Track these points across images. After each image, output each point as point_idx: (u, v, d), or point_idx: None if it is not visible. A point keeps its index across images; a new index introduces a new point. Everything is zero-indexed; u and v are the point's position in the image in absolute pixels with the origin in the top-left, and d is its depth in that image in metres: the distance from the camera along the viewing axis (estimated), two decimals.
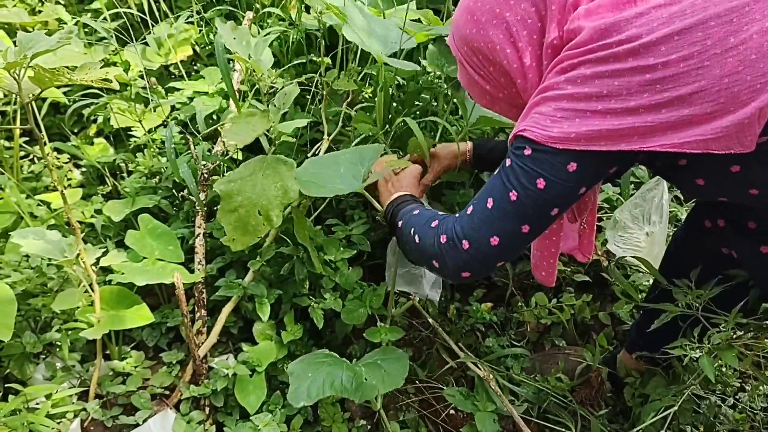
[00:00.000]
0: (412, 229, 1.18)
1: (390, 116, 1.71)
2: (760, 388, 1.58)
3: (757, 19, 0.84)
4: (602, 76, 0.90)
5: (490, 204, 1.03)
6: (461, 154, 1.52)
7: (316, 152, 1.65)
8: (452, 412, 1.58)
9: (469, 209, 1.08)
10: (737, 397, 1.60)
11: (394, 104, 1.79)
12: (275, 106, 1.42)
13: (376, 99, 1.73)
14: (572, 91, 0.92)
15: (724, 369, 1.61)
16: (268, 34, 1.87)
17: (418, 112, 1.79)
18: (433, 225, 1.14)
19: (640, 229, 1.89)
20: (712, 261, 1.29)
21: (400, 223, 1.25)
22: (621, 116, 0.90)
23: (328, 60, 1.75)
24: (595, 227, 1.30)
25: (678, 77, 0.86)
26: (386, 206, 1.35)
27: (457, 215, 1.11)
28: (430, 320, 1.62)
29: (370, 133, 1.63)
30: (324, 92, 1.65)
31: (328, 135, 1.65)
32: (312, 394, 1.19)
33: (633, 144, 0.90)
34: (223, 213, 1.37)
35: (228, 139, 1.34)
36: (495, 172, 1.06)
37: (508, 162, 1.02)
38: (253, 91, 1.84)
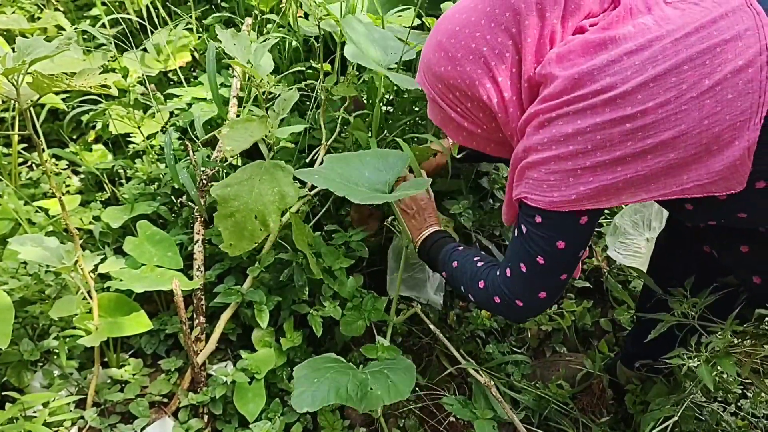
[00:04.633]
0: (463, 287, 1.25)
1: (385, 124, 1.71)
2: (762, 395, 1.57)
3: (730, 59, 0.85)
4: (584, 132, 0.91)
5: (524, 269, 1.08)
6: (448, 148, 1.57)
7: (314, 158, 1.64)
8: (453, 419, 1.57)
9: (507, 271, 1.12)
10: (739, 404, 1.59)
11: (391, 109, 1.78)
12: (274, 111, 1.42)
13: (372, 105, 1.73)
14: (557, 152, 0.94)
15: (725, 376, 1.60)
16: (266, 40, 1.87)
17: (410, 121, 1.79)
18: (481, 286, 1.19)
19: (640, 234, 1.88)
20: (695, 261, 1.31)
21: (444, 273, 1.33)
22: (610, 168, 0.92)
23: (327, 66, 1.75)
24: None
25: (658, 123, 0.88)
26: (419, 244, 1.41)
27: (498, 272, 1.15)
28: (432, 327, 1.61)
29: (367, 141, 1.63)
30: (323, 97, 1.64)
31: (326, 141, 1.64)
32: (316, 401, 1.16)
33: (635, 196, 0.94)
34: (219, 218, 1.36)
35: (225, 144, 1.34)
36: (516, 235, 1.10)
37: (524, 229, 1.06)
38: (252, 97, 1.83)
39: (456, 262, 1.28)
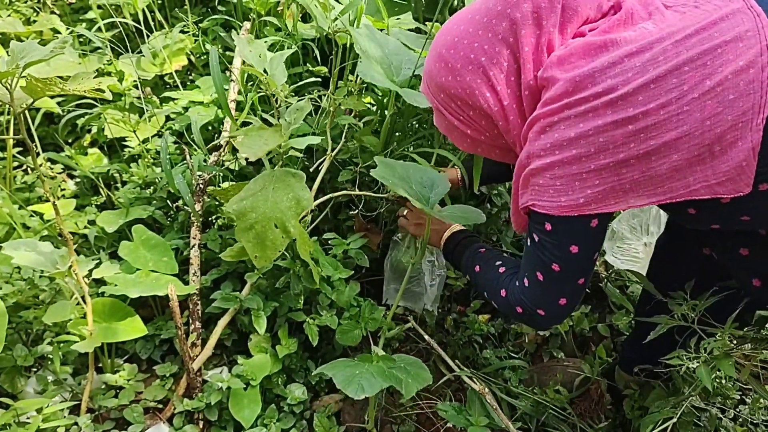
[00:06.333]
0: (486, 293, 1.26)
1: (390, 130, 1.71)
2: (761, 400, 1.56)
3: (731, 60, 0.86)
4: (586, 136, 0.91)
5: (541, 277, 1.08)
6: (456, 180, 1.61)
7: (319, 168, 1.63)
8: (450, 425, 1.57)
9: (525, 281, 1.12)
10: (738, 409, 1.59)
11: (395, 116, 1.78)
12: (286, 120, 1.42)
13: (376, 110, 1.72)
14: (561, 157, 0.94)
15: (723, 381, 1.60)
16: (265, 44, 1.86)
17: (416, 123, 1.78)
18: (503, 295, 1.19)
19: (638, 239, 1.88)
20: (695, 264, 1.31)
21: (468, 276, 1.34)
22: (615, 170, 0.92)
23: (324, 69, 1.75)
24: None
25: (660, 125, 0.88)
26: (443, 245, 1.43)
27: (517, 283, 1.16)
28: (426, 337, 1.61)
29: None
30: (331, 108, 1.63)
31: (332, 150, 1.63)
32: (369, 387, 1.19)
33: (643, 199, 0.94)
34: (240, 232, 1.36)
35: (241, 152, 1.34)
36: (528, 244, 1.09)
37: (536, 238, 1.05)
38: (250, 102, 1.83)
39: (478, 266, 1.28)
